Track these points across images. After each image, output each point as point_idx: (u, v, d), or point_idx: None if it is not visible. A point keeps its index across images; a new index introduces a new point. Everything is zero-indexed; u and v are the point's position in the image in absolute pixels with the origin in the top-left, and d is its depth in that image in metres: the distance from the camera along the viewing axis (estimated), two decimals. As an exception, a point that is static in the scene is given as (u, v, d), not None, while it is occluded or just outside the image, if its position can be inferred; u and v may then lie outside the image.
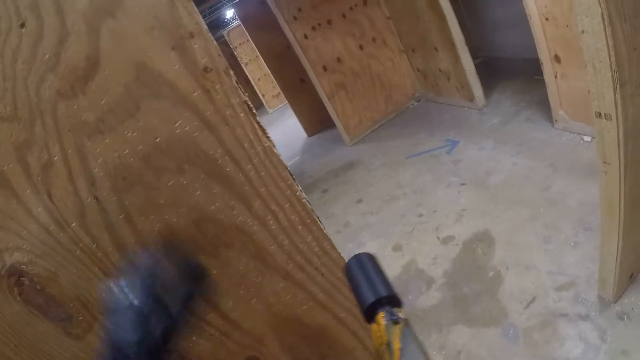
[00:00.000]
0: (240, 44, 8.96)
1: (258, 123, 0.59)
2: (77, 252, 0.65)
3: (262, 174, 0.62)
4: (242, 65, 9.22)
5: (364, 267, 0.54)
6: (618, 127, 1.27)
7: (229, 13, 8.18)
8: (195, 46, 0.55)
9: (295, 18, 4.35)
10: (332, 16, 4.50)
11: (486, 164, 3.17)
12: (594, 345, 1.64)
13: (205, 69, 0.56)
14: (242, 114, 0.58)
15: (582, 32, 1.21)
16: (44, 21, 0.52)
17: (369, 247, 3.03)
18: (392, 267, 2.69)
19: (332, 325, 0.79)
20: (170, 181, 0.60)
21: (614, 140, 1.32)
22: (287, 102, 6.39)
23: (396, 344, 0.41)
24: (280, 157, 0.62)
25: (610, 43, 1.15)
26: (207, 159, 0.60)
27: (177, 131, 0.58)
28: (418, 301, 2.32)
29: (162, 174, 0.60)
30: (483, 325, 1.97)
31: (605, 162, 1.41)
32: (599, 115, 1.33)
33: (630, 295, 1.74)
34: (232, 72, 0.57)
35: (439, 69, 4.25)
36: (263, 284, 0.71)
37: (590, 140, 2.77)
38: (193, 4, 0.54)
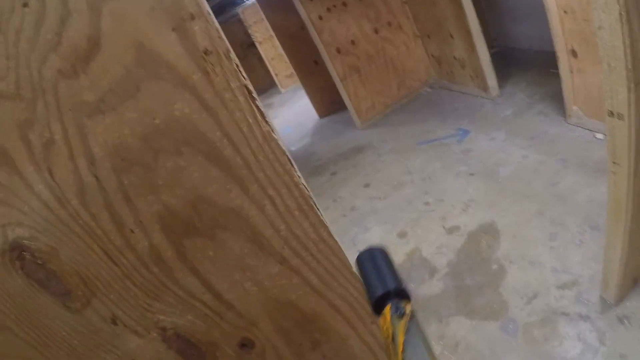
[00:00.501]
0: (254, 22, 8.86)
1: (257, 107, 0.59)
2: (77, 229, 0.66)
3: (260, 158, 0.62)
4: (257, 44, 9.15)
5: (375, 260, 0.54)
6: (630, 127, 1.25)
7: (245, -10, 8.10)
8: (196, 28, 0.54)
9: (310, -2, 4.29)
10: (348, -2, 4.43)
11: (496, 155, 3.14)
12: (593, 346, 1.64)
13: (205, 51, 0.55)
14: (241, 98, 0.58)
15: (599, 28, 1.18)
16: (46, 1, 0.52)
17: (375, 232, 3.04)
18: (396, 254, 2.70)
19: (326, 312, 0.80)
20: (168, 162, 0.61)
21: (625, 141, 1.29)
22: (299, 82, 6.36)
23: (400, 338, 0.42)
24: (280, 142, 0.62)
25: (627, 41, 1.12)
26: (206, 142, 0.60)
27: (175, 113, 0.58)
28: (420, 290, 2.33)
29: (160, 155, 0.60)
30: (483, 318, 1.98)
31: (614, 163, 1.38)
32: (611, 114, 1.31)
33: (632, 299, 1.73)
34: (232, 55, 0.56)
35: (454, 57, 4.18)
36: (258, 267, 0.71)
37: (602, 138, 2.73)
38: (195, -15, 0.53)
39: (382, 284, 0.50)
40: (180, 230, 0.66)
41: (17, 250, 0.67)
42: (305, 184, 0.67)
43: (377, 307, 0.48)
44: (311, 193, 0.69)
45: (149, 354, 0.77)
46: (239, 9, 8.91)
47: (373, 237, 3.01)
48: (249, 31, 9.00)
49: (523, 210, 2.51)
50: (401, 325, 0.43)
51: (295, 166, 0.65)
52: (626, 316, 1.68)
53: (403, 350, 0.40)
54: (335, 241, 0.72)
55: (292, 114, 7.43)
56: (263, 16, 6.46)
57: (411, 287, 2.37)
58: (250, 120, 0.59)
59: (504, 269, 2.19)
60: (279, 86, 9.71)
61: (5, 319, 0.71)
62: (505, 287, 2.08)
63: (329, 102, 6.06)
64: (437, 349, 1.96)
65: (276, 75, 9.54)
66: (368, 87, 4.83)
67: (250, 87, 0.58)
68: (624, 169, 1.36)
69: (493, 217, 2.58)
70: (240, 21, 9.02)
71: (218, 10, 9.43)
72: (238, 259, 0.70)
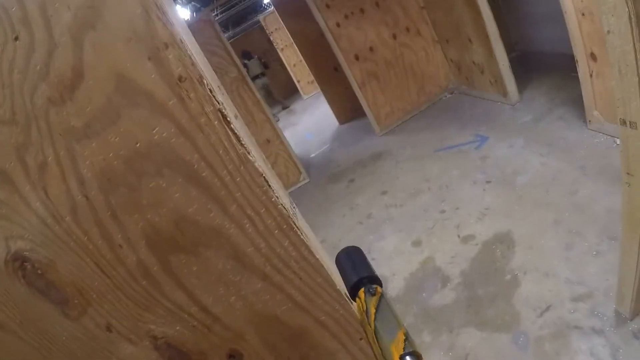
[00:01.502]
0: (275, 29, 8.98)
1: (232, 131, 0.62)
2: (71, 243, 0.70)
3: (238, 179, 0.65)
4: (278, 51, 9.26)
5: (350, 256, 0.61)
6: (644, 136, 1.21)
7: (267, -2, 8.22)
8: (170, 56, 0.57)
9: (327, 6, 4.33)
10: (365, 5, 4.45)
11: (514, 163, 3.09)
12: (605, 362, 1.59)
13: (180, 78, 0.58)
14: (215, 122, 0.61)
15: (608, 32, 1.15)
16: (35, 34, 0.56)
17: (390, 241, 3.04)
18: (410, 263, 2.69)
19: (313, 327, 0.81)
20: (150, 183, 0.64)
21: (639, 151, 1.25)
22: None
23: (372, 309, 0.50)
24: (255, 164, 0.64)
25: (638, 46, 1.09)
26: (184, 164, 0.63)
27: (155, 137, 0.61)
28: (432, 299, 2.31)
29: (143, 177, 0.64)
30: (494, 329, 1.95)
31: (628, 174, 1.34)
32: (624, 122, 1.27)
33: (648, 313, 1.67)
34: (205, 81, 0.59)
35: (473, 62, 4.14)
36: (242, 283, 0.74)
37: (623, 143, 2.64)
38: (168, 15, 0.56)
39: (356, 273, 0.57)
40: (165, 247, 0.69)
41: (19, 260, 0.72)
42: (285, 204, 0.69)
43: (353, 293, 0.55)
44: (295, 212, 0.71)
45: (143, 360, 0.81)
46: (260, 17, 9.04)
47: (388, 245, 3.00)
48: (271, 38, 9.11)
49: (540, 220, 2.46)
50: (373, 301, 0.51)
51: (274, 187, 0.67)
52: (641, 331, 1.63)
53: (375, 319, 0.48)
54: (317, 259, 0.74)
55: (313, 120, 7.50)
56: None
57: (422, 295, 2.36)
58: (226, 144, 0.62)
59: (517, 279, 2.15)
60: (301, 92, 9.79)
61: (10, 323, 0.76)
62: (518, 298, 2.05)
63: (349, 109, 6.08)
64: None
65: (298, 81, 9.62)
66: (387, 93, 4.83)
67: (225, 112, 0.61)
68: (639, 180, 1.32)
69: (509, 226, 2.54)
70: (262, 28, 9.16)
71: (240, 18, 9.58)
72: (221, 275, 0.72)
